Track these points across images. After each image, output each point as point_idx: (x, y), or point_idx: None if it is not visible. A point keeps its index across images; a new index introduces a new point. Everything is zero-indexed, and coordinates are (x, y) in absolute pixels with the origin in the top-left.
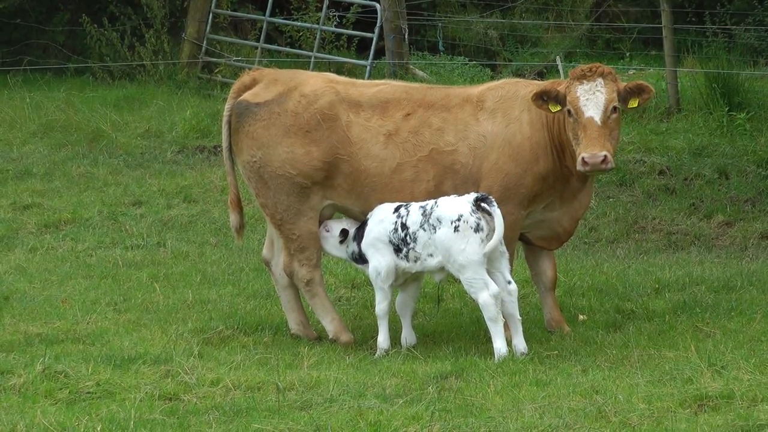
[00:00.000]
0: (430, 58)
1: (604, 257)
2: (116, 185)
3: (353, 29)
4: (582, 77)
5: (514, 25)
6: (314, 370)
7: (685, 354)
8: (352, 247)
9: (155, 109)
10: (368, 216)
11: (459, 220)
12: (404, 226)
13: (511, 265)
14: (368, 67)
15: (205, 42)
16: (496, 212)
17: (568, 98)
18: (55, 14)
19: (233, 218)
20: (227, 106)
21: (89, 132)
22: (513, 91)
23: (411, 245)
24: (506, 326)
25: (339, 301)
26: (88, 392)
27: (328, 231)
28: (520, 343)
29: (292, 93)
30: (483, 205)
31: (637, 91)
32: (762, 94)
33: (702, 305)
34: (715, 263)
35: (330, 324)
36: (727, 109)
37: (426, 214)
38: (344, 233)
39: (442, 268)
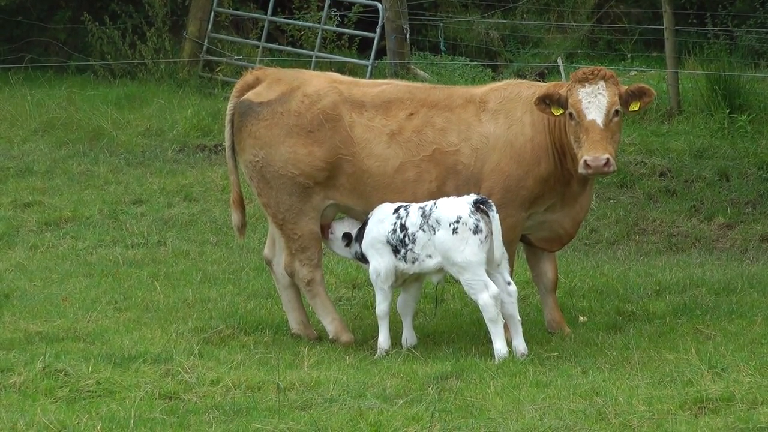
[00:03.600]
0: (431, 58)
1: (605, 259)
2: (117, 183)
3: (355, 29)
4: (584, 80)
5: (515, 26)
6: (314, 369)
7: (685, 356)
8: (355, 247)
9: (156, 108)
10: (369, 216)
11: (458, 221)
12: (403, 227)
13: (512, 266)
14: (369, 67)
15: (206, 41)
16: (494, 216)
17: (569, 101)
18: (56, 12)
19: (235, 217)
20: (230, 105)
21: (90, 130)
22: (515, 93)
23: (409, 246)
24: (506, 327)
25: (339, 301)
26: (89, 391)
27: (332, 233)
28: (520, 344)
29: (295, 93)
30: (482, 206)
31: (639, 94)
32: (763, 96)
33: (702, 307)
34: (715, 265)
35: (330, 324)
36: (728, 111)
37: (425, 216)
38: (347, 237)
39: (440, 270)
